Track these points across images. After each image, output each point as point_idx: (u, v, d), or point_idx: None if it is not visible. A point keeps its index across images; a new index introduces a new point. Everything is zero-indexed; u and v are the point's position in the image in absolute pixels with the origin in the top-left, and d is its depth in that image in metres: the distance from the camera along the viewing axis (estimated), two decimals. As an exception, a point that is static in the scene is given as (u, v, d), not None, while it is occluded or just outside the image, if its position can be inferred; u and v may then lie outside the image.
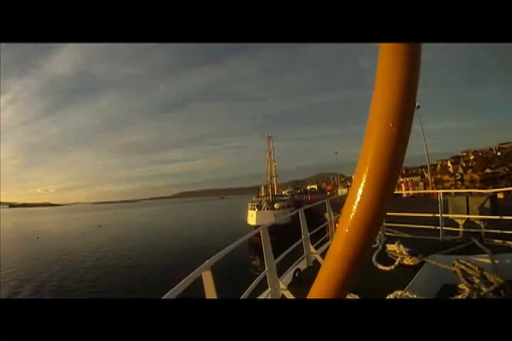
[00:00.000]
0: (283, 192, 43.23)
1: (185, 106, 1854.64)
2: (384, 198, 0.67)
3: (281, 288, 3.82)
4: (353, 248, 0.72)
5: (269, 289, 3.68)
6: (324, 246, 5.94)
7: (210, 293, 2.41)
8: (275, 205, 32.08)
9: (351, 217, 0.68)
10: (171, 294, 1.82)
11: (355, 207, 0.68)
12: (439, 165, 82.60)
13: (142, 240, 34.03)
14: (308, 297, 0.94)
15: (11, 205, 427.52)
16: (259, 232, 3.65)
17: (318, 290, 0.88)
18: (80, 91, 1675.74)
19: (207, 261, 2.43)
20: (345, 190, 44.93)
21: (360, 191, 0.66)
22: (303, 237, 5.02)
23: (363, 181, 0.66)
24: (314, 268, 4.75)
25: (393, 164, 0.64)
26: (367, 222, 0.68)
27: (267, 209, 31.57)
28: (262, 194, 39.06)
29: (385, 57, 0.76)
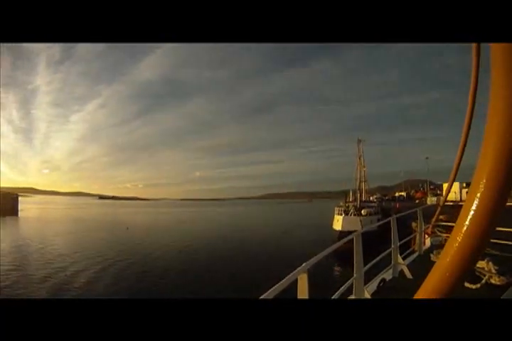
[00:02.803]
0: (370, 198, 41.19)
1: (271, 109, 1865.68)
2: (498, 209, 0.65)
3: (365, 297, 3.74)
4: (463, 258, 0.74)
5: (353, 297, 3.63)
6: (410, 258, 5.65)
7: (302, 295, 2.43)
8: (362, 211, 30.95)
9: (465, 227, 0.69)
10: (268, 294, 1.83)
11: (469, 217, 0.67)
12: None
13: (223, 238, 34.96)
14: (414, 297, 1.01)
15: (101, 197, 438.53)
16: (347, 238, 3.55)
17: (426, 292, 0.95)
18: (168, 95, 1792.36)
19: (304, 263, 2.43)
20: (434, 199, 40.83)
21: (476, 201, 0.65)
22: (392, 246, 4.82)
23: (480, 191, 0.65)
24: (399, 279, 4.58)
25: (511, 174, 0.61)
26: (479, 234, 0.68)
27: (354, 215, 30.67)
28: (350, 199, 37.99)
29: (501, 57, 0.73)
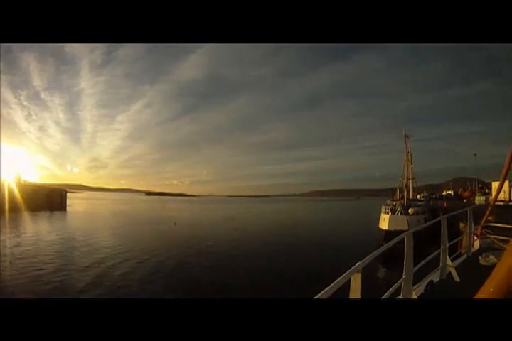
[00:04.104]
0: (417, 197, 39.49)
1: (317, 105, 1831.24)
2: None
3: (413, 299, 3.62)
4: None
5: (401, 298, 3.51)
6: (458, 260, 5.48)
7: (355, 295, 2.37)
8: (409, 210, 29.87)
9: None
10: (322, 295, 1.77)
11: None
12: None
13: (268, 234, 34.94)
14: (475, 297, 1.02)
15: (148, 193, 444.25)
16: (398, 238, 3.36)
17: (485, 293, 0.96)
18: (212, 93, 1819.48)
19: (358, 262, 2.39)
20: (482, 198, 38.25)
21: None
22: (441, 247, 4.65)
23: None
24: (448, 282, 4.46)
25: None
26: None
27: (401, 213, 29.76)
28: (397, 197, 36.84)
29: None
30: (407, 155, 39.13)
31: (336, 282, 1.98)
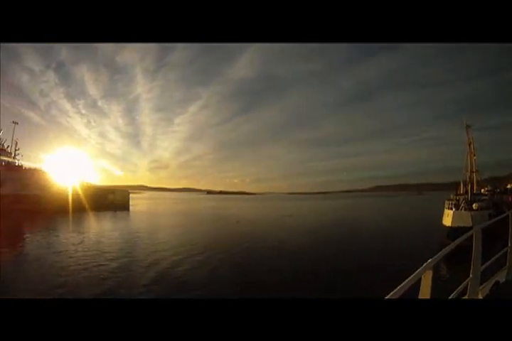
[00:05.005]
0: (481, 191, 36.73)
1: (371, 97, 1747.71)
2: None
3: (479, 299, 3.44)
4: None
5: (466, 298, 3.30)
6: None
7: (425, 293, 2.25)
8: (473, 205, 28.17)
9: None
10: (393, 294, 1.69)
11: None
12: None
13: (327, 232, 34.13)
14: None
15: (209, 192, 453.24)
16: (467, 234, 3.19)
17: None
18: (266, 91, 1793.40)
19: (429, 259, 2.29)
20: None
21: None
22: (509, 245, 4.26)
23: None
24: None
25: None
26: None
27: (464, 209, 28.22)
28: (461, 191, 34.83)
29: None
30: (469, 146, 36.82)
31: (406, 281, 1.91)
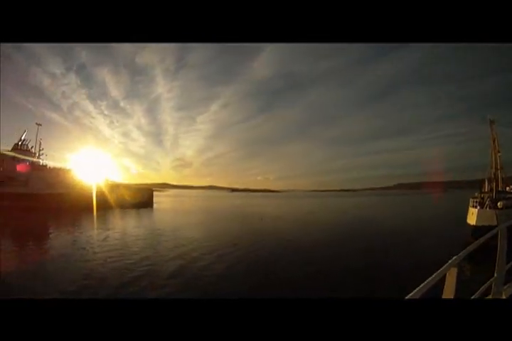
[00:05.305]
0: (506, 189, 35.41)
1: (393, 94, 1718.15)
2: None
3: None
4: None
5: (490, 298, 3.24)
6: None
7: (449, 292, 2.19)
8: (498, 204, 27.20)
9: None
10: (414, 294, 1.65)
11: None
12: None
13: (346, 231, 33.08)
14: None
15: (233, 190, 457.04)
16: (492, 232, 3.10)
17: None
18: (286, 89, 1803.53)
19: (454, 257, 2.24)
20: None
21: None
22: None
23: None
24: None
25: None
26: None
27: (489, 207, 27.28)
28: (486, 189, 33.79)
29: None
30: (493, 143, 35.65)
31: (430, 279, 1.85)
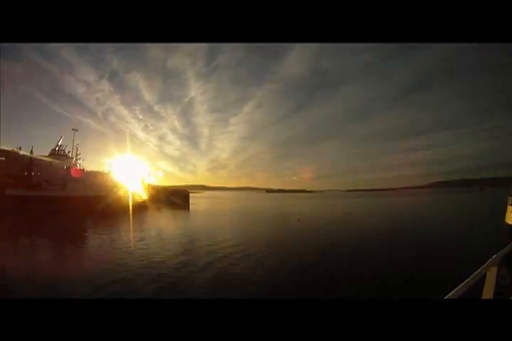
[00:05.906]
0: None
1: (427, 88, 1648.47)
2: None
3: None
4: None
5: None
6: None
7: (489, 292, 2.15)
8: None
9: None
10: (453, 294, 1.63)
11: None
12: None
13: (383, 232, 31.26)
14: None
15: (268, 191, 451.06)
16: None
17: None
18: (319, 87, 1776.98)
19: (494, 255, 2.19)
20: None
21: None
22: None
23: None
24: None
25: None
26: None
27: (526, 206, 26.05)
28: (525, 187, 31.91)
29: None
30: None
31: (470, 277, 1.80)
